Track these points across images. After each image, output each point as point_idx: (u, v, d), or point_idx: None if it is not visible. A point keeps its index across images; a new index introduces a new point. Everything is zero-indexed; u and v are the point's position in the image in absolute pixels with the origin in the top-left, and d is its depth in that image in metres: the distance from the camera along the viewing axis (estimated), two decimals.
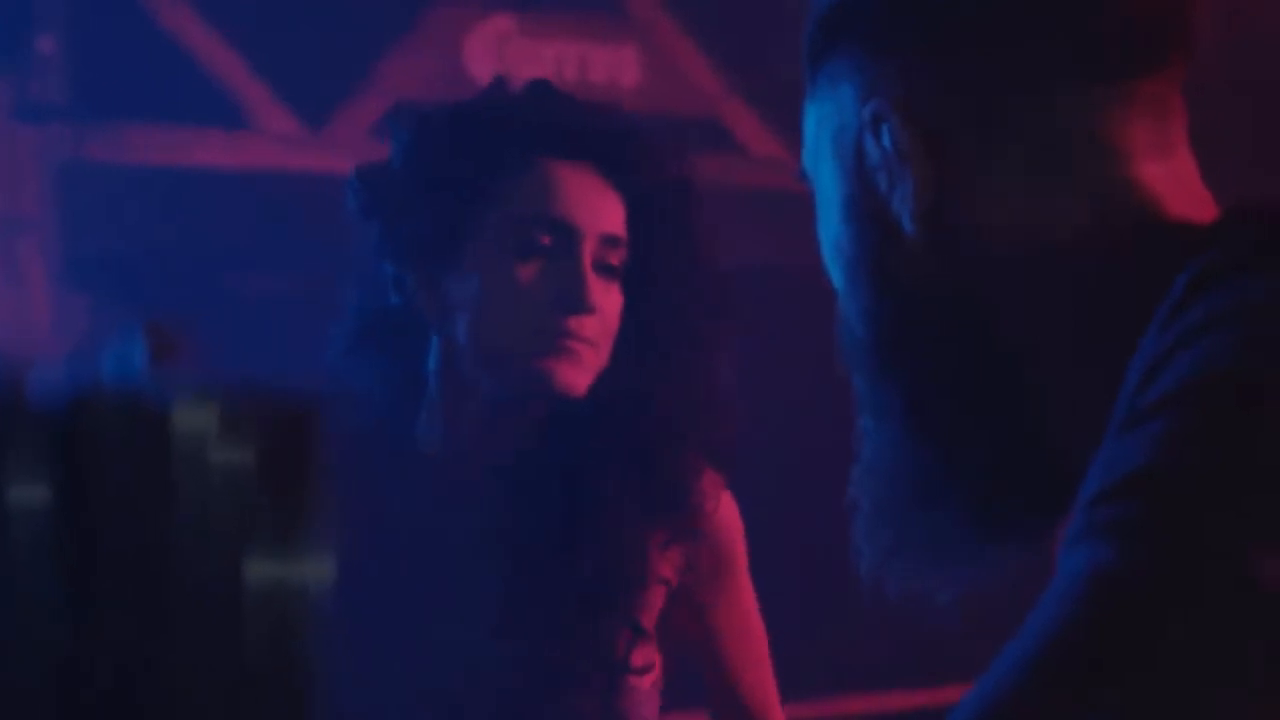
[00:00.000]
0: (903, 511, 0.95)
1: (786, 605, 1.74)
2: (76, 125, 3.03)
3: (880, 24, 0.93)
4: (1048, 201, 0.89)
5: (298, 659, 0.48)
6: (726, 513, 1.67)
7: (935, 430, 0.93)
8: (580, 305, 1.53)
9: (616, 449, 1.60)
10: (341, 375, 1.64)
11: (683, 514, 1.62)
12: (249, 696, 0.48)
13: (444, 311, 1.58)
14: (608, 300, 1.57)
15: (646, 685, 1.62)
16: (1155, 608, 0.69)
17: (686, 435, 1.62)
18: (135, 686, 0.47)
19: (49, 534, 0.47)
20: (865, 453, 0.97)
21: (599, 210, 1.57)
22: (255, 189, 3.21)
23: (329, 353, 1.66)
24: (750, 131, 3.59)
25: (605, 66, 3.47)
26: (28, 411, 0.47)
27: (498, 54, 3.40)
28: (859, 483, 0.98)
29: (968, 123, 0.91)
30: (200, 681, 0.47)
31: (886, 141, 0.92)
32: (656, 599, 1.63)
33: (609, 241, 1.58)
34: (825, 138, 0.97)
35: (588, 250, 1.56)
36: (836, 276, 0.98)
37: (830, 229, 0.97)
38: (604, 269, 1.57)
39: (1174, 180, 0.90)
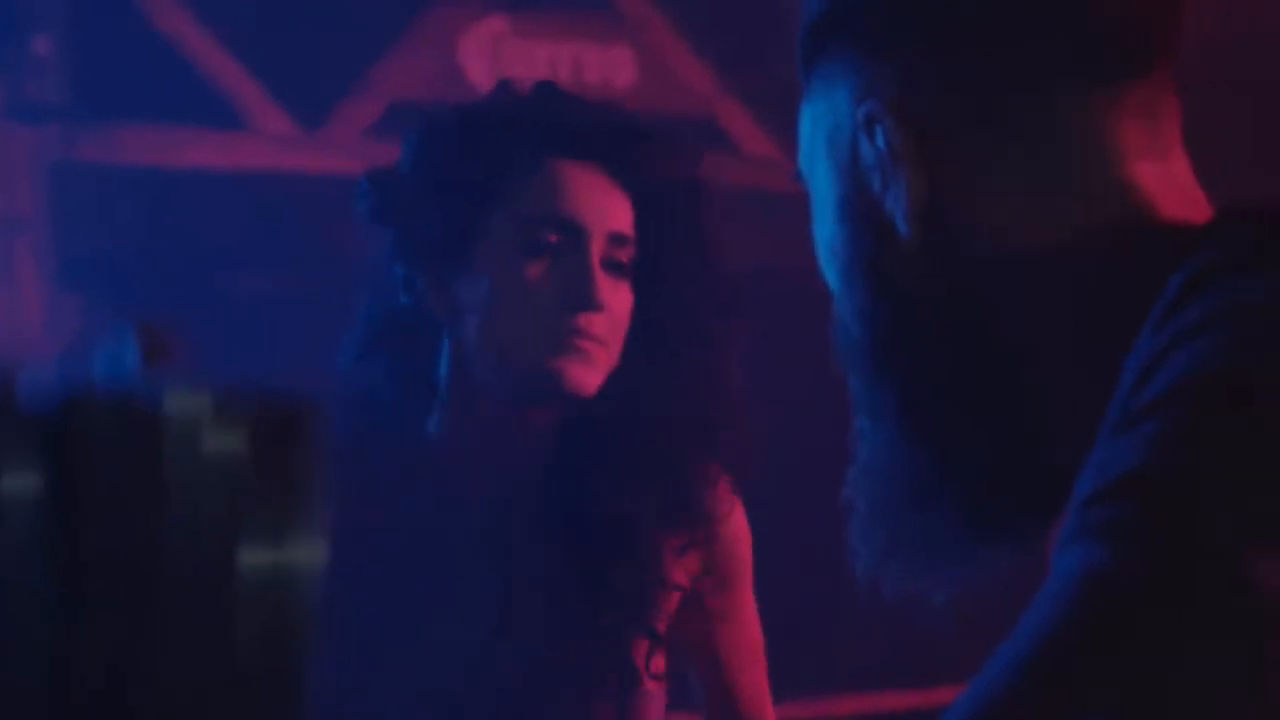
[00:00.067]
0: (898, 512, 0.95)
1: (781, 605, 1.74)
2: (70, 125, 3.03)
3: (874, 25, 0.94)
4: (1042, 202, 0.89)
5: (289, 658, 0.48)
6: (738, 521, 1.68)
7: (930, 431, 0.93)
8: (589, 303, 1.54)
9: (632, 451, 1.60)
10: (353, 379, 1.64)
11: (698, 519, 1.63)
12: (240, 696, 0.48)
13: (454, 312, 1.58)
14: (617, 299, 1.57)
15: (659, 691, 1.63)
16: (1148, 608, 0.69)
17: (702, 440, 1.63)
18: (127, 686, 0.47)
19: (40, 534, 0.47)
20: (860, 453, 0.97)
21: (606, 208, 1.58)
22: (249, 190, 3.21)
23: (340, 357, 1.66)
24: (744, 131, 3.59)
25: (599, 67, 3.47)
26: (18, 412, 0.46)
27: (492, 55, 3.40)
28: (854, 483, 0.98)
29: (961, 124, 0.91)
30: (191, 680, 0.47)
31: (880, 142, 0.92)
32: (671, 605, 1.63)
33: (617, 239, 1.58)
34: (820, 139, 0.97)
35: (596, 248, 1.56)
36: (831, 277, 0.98)
37: (825, 230, 0.97)
38: (613, 266, 1.58)
39: (1168, 181, 0.90)
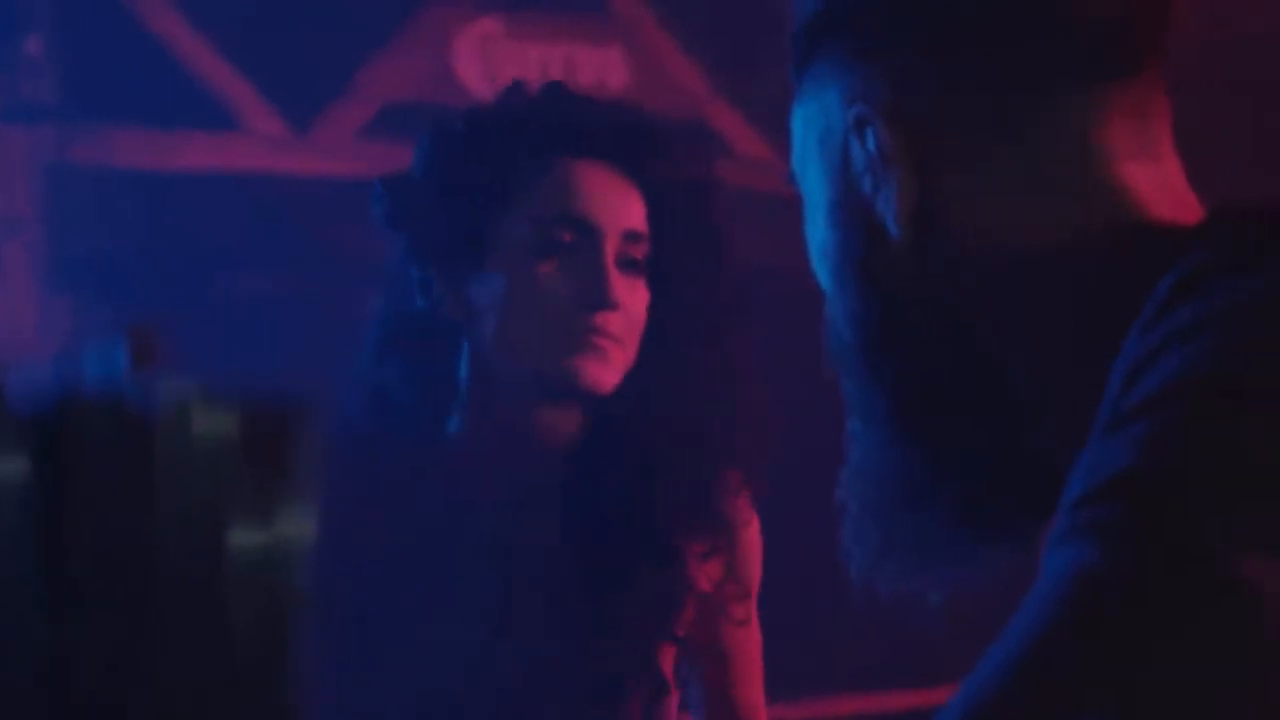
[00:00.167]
0: (891, 513, 0.95)
1: (781, 606, 1.74)
2: (63, 127, 3.02)
3: (865, 27, 0.94)
4: (1032, 203, 0.89)
5: (281, 656, 0.48)
6: (755, 531, 1.69)
7: (922, 432, 0.94)
8: (603, 301, 1.54)
9: (655, 454, 1.61)
10: (370, 382, 1.64)
11: (721, 525, 1.64)
12: (233, 685, 0.48)
13: (471, 314, 1.59)
14: (632, 297, 1.58)
15: (675, 697, 1.64)
16: (1138, 609, 0.69)
17: (723, 443, 1.63)
18: (120, 683, 0.47)
19: (31, 534, 0.47)
20: (853, 455, 0.98)
21: (619, 207, 1.59)
22: (243, 191, 3.20)
23: (359, 361, 1.66)
24: (736, 133, 3.59)
25: (592, 68, 3.47)
26: (8, 412, 0.46)
27: (484, 56, 3.40)
28: (847, 485, 0.98)
29: (952, 125, 0.91)
30: (184, 679, 0.47)
31: (871, 144, 0.92)
32: (691, 611, 1.64)
33: (631, 237, 1.59)
34: (812, 141, 0.97)
35: (609, 247, 1.57)
36: (824, 279, 0.98)
37: (817, 232, 0.97)
38: (627, 264, 1.58)
39: (1159, 181, 0.90)
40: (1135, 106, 0.90)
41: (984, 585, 0.96)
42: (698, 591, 1.63)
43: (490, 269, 1.58)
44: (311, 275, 3.19)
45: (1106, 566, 0.70)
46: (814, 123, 0.97)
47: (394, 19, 3.36)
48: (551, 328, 1.55)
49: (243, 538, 0.48)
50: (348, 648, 1.56)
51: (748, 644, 1.70)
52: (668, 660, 1.62)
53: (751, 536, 1.68)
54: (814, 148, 0.97)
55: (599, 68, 3.48)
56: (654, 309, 1.60)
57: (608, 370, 1.55)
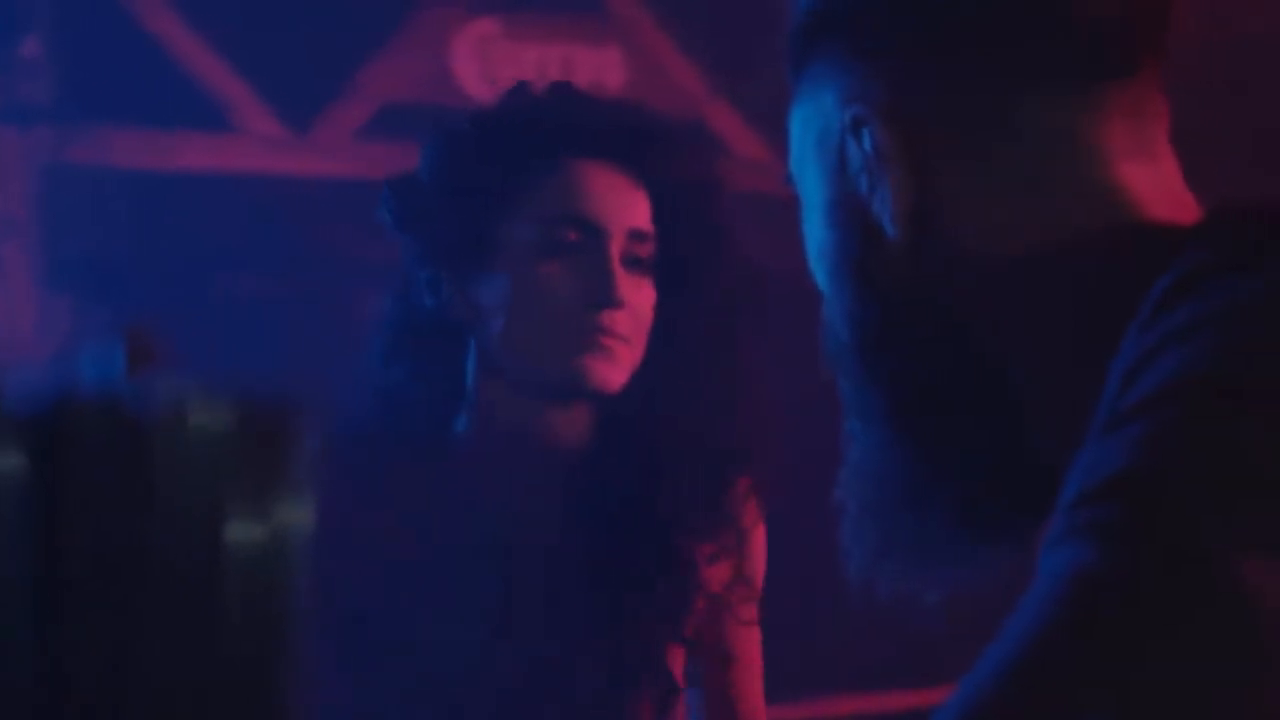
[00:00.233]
0: (891, 513, 0.95)
1: (777, 605, 1.74)
2: (60, 128, 3.02)
3: (861, 27, 0.94)
4: (1029, 204, 0.89)
5: (278, 656, 0.48)
6: (760, 535, 1.70)
7: (920, 432, 0.94)
8: (609, 300, 1.55)
9: (664, 455, 1.61)
10: (380, 383, 1.65)
11: (729, 527, 1.64)
12: (227, 695, 0.48)
13: (479, 314, 1.60)
14: (639, 295, 1.59)
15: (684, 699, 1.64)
16: (1135, 609, 0.69)
17: (731, 444, 1.64)
18: (116, 687, 0.47)
19: (28, 536, 0.46)
20: (852, 455, 0.97)
21: (624, 205, 1.59)
22: (240, 192, 3.20)
23: (369, 363, 1.67)
24: (734, 133, 3.59)
25: (590, 69, 3.47)
26: (6, 414, 0.46)
27: (482, 57, 3.40)
28: (846, 485, 0.98)
29: (949, 126, 0.91)
30: (180, 680, 0.47)
31: (867, 144, 0.92)
32: (701, 613, 1.64)
33: (636, 235, 1.59)
34: (809, 141, 0.97)
35: (615, 246, 1.57)
36: (821, 279, 0.98)
37: (815, 232, 0.97)
38: (633, 263, 1.59)
39: (1156, 182, 0.90)
40: (1132, 106, 0.90)
41: (984, 585, 0.96)
42: (707, 593, 1.64)
43: (497, 269, 1.58)
44: (309, 276, 3.19)
45: (1103, 567, 0.70)
46: (812, 123, 0.97)
47: (392, 20, 3.35)
48: (558, 327, 1.55)
49: (239, 538, 0.48)
50: (356, 648, 1.57)
51: (750, 644, 1.70)
52: (677, 661, 1.63)
53: (758, 538, 1.69)
54: (812, 148, 0.97)
55: (597, 68, 3.48)
56: (661, 308, 1.60)
57: (615, 369, 1.56)
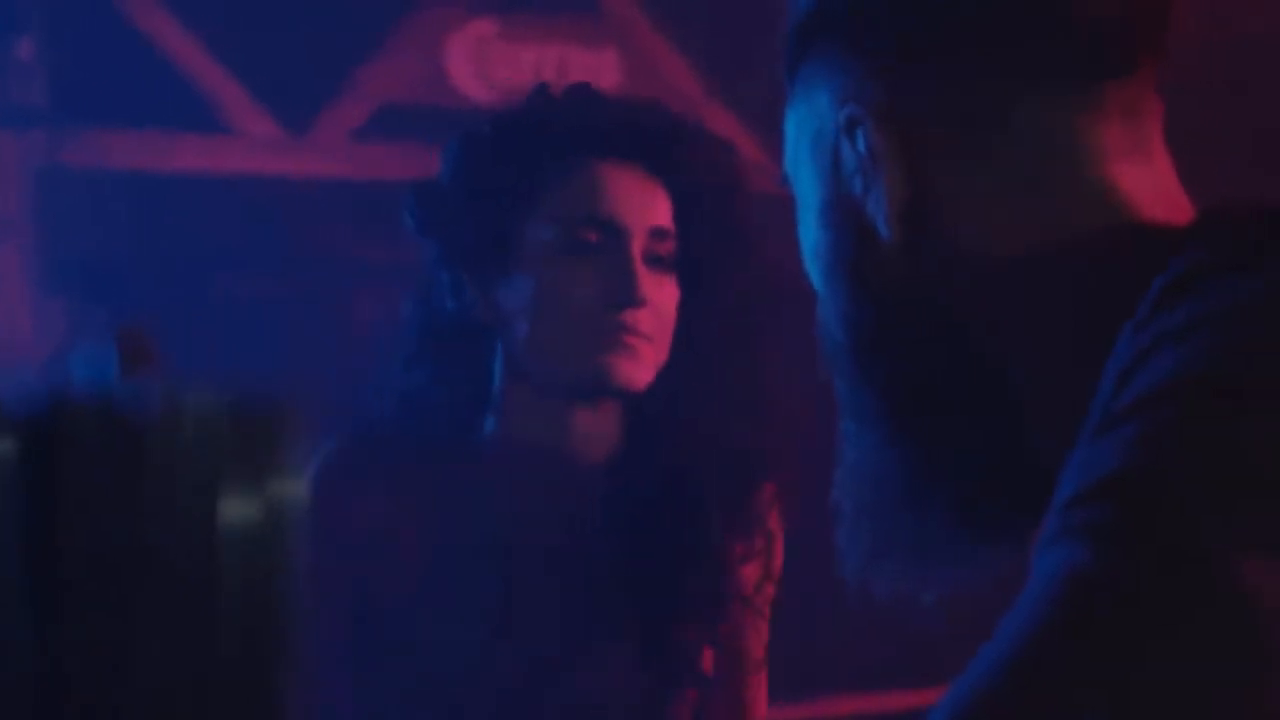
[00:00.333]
0: (888, 513, 0.95)
1: (777, 605, 1.75)
2: (55, 130, 3.02)
3: (856, 28, 0.94)
4: (1023, 203, 0.89)
5: (274, 656, 0.48)
6: (780, 544, 1.70)
7: (916, 432, 0.94)
8: (631, 299, 1.56)
9: (691, 454, 1.62)
10: (403, 387, 1.66)
11: (759, 528, 1.65)
12: (224, 696, 0.47)
13: (502, 316, 1.60)
14: (661, 294, 1.59)
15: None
16: (1131, 609, 0.69)
17: (757, 447, 1.64)
18: (112, 688, 0.47)
19: (23, 538, 0.46)
20: (848, 455, 0.98)
21: (645, 205, 1.60)
22: (236, 193, 3.20)
23: (389, 367, 1.67)
24: (730, 135, 3.58)
25: (585, 69, 3.46)
26: (1, 415, 0.46)
27: (478, 57, 3.40)
28: (842, 485, 0.98)
29: (943, 126, 0.91)
30: (175, 681, 0.47)
31: (862, 145, 0.92)
32: (732, 614, 1.65)
33: (657, 234, 1.60)
34: (804, 142, 0.97)
35: (636, 245, 1.58)
36: (816, 280, 0.98)
37: (809, 233, 0.97)
38: (655, 261, 1.59)
39: (1150, 182, 0.90)
40: (1129, 106, 0.90)
41: (983, 585, 0.96)
42: (741, 595, 1.65)
43: (518, 271, 1.59)
44: (306, 276, 3.19)
45: (1098, 567, 0.70)
46: (806, 124, 0.97)
47: (387, 20, 3.36)
48: (581, 327, 1.56)
49: (235, 537, 0.47)
50: (385, 652, 1.57)
51: (757, 643, 1.71)
52: (708, 661, 1.63)
53: (778, 548, 1.70)
54: (806, 149, 0.97)
55: (593, 69, 3.47)
56: (684, 306, 1.61)
57: (640, 367, 1.57)
